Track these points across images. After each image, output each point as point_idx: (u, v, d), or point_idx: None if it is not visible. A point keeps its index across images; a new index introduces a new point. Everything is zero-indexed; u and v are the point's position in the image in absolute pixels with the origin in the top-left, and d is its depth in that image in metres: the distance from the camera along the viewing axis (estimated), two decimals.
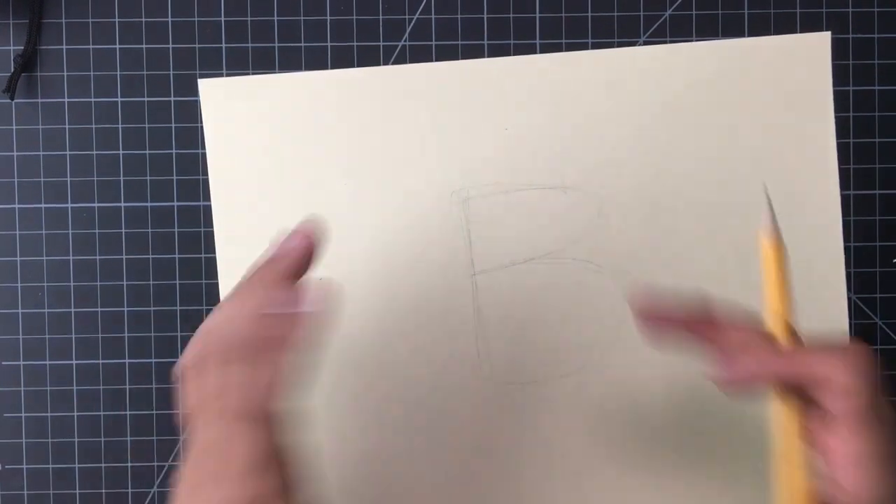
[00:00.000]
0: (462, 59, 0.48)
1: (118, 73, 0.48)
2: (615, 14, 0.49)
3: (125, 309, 0.48)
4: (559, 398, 0.48)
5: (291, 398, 0.36)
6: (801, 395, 0.34)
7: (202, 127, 0.48)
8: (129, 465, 0.48)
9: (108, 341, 0.48)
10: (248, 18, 0.48)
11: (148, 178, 0.48)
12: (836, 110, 0.48)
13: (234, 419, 0.35)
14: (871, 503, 0.32)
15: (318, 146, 0.48)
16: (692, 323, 0.36)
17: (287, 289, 0.37)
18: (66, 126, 0.48)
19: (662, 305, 0.36)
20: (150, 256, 0.48)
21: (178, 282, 0.48)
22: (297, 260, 0.38)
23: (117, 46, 0.48)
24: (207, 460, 0.36)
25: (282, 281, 0.37)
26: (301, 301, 0.36)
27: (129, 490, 0.48)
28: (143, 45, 0.48)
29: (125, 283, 0.48)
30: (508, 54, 0.49)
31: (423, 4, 0.49)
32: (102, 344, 0.48)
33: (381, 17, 0.49)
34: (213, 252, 0.48)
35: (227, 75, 0.48)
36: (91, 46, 0.48)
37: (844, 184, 0.49)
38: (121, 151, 0.48)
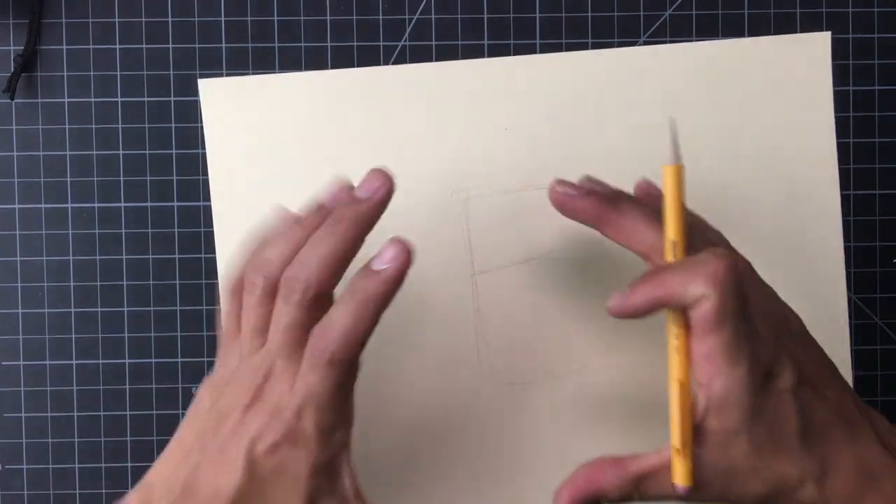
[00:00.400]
0: (462, 59, 0.48)
1: (118, 73, 0.48)
2: (615, 14, 0.49)
3: (125, 309, 0.48)
4: (559, 398, 0.48)
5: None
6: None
7: (202, 127, 0.48)
8: (129, 465, 0.48)
9: (108, 341, 0.48)
10: (248, 18, 0.48)
11: (148, 178, 0.48)
12: (836, 110, 0.48)
13: (314, 356, 0.37)
14: (720, 392, 0.36)
15: (318, 146, 0.48)
16: (597, 210, 0.40)
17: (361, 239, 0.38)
18: (66, 126, 0.48)
19: (578, 187, 0.40)
20: (150, 256, 0.48)
21: (178, 282, 0.48)
22: (379, 202, 0.39)
23: (117, 46, 0.48)
24: (268, 390, 0.37)
25: (400, 241, 0.38)
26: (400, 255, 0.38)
27: (129, 490, 0.48)
28: (143, 45, 0.48)
29: (125, 283, 0.48)
30: (508, 54, 0.49)
31: (423, 4, 0.49)
32: (102, 344, 0.48)
33: (381, 17, 0.49)
34: (213, 252, 0.48)
35: (227, 75, 0.48)
36: (91, 46, 0.48)
37: (844, 184, 0.49)
38: (121, 151, 0.48)
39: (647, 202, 0.41)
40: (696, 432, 0.37)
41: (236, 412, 0.37)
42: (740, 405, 0.36)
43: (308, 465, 0.37)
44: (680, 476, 0.37)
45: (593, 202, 0.40)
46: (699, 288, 0.35)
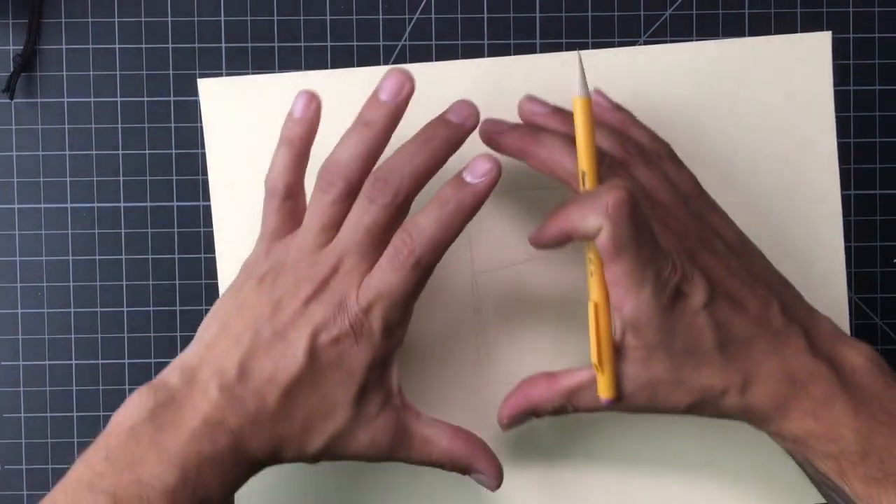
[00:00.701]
0: (462, 59, 0.48)
1: (118, 73, 0.48)
2: (615, 14, 0.49)
3: (125, 309, 0.48)
4: None
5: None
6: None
7: (202, 127, 0.48)
8: None
9: (107, 341, 0.48)
10: (248, 18, 0.48)
11: (148, 178, 0.48)
12: (837, 110, 0.48)
13: (401, 256, 0.39)
14: (631, 314, 0.38)
15: (318, 146, 0.48)
16: (518, 143, 0.42)
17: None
18: (66, 126, 0.48)
19: (503, 122, 0.43)
20: (150, 256, 0.48)
21: (177, 282, 0.48)
22: (469, 129, 0.41)
23: (117, 46, 0.48)
24: (335, 283, 0.39)
25: (489, 158, 0.40)
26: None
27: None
28: (143, 45, 0.48)
29: (125, 283, 0.48)
30: (508, 54, 0.49)
31: (423, 4, 0.49)
32: (102, 344, 0.48)
33: (381, 16, 0.49)
34: (213, 252, 0.48)
35: (227, 75, 0.48)
36: (91, 46, 0.48)
37: (844, 184, 0.49)
38: (120, 151, 0.48)
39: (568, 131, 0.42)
40: (616, 350, 0.39)
41: (296, 302, 0.39)
42: (651, 325, 0.38)
43: (367, 359, 0.39)
44: (603, 389, 0.40)
45: (514, 136, 0.42)
46: (595, 220, 0.37)
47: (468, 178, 0.39)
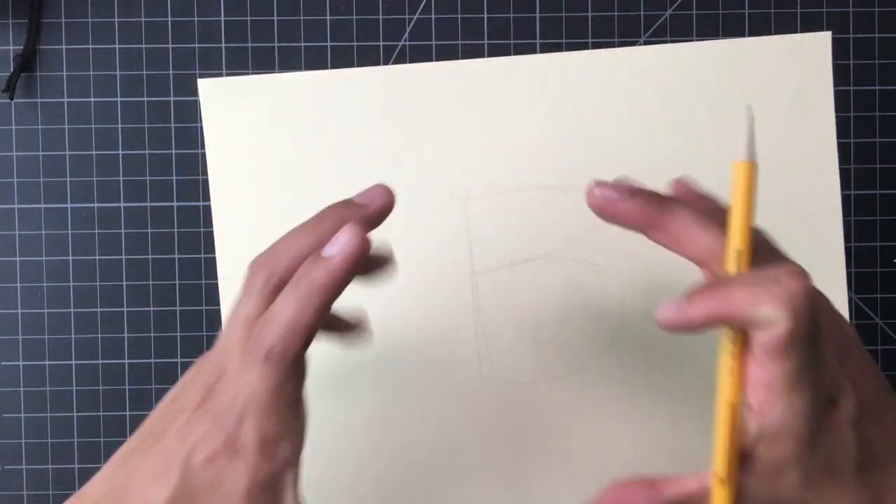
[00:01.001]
0: (462, 59, 0.48)
1: (118, 73, 0.48)
2: (615, 14, 0.49)
3: (125, 309, 0.48)
4: (559, 398, 0.48)
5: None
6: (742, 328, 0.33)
7: (202, 127, 0.48)
8: None
9: (107, 341, 0.48)
10: (248, 18, 0.48)
11: (147, 178, 0.48)
12: (837, 110, 0.48)
13: (250, 351, 0.33)
14: (777, 421, 0.32)
15: (318, 146, 0.48)
16: (644, 213, 0.35)
17: (357, 230, 0.34)
18: (66, 126, 0.48)
19: (619, 188, 0.36)
20: (150, 257, 0.48)
21: (177, 282, 0.48)
22: (376, 211, 0.36)
23: (117, 46, 0.48)
24: (218, 391, 0.33)
25: (357, 223, 0.35)
26: (358, 245, 0.34)
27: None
28: (143, 45, 0.48)
29: (125, 283, 0.48)
30: (508, 54, 0.49)
31: (423, 4, 0.49)
32: (102, 344, 0.48)
33: (381, 16, 0.49)
34: (213, 252, 0.48)
35: (227, 75, 0.48)
36: (91, 46, 0.48)
37: (844, 184, 0.49)
38: (120, 151, 0.48)
39: (696, 203, 0.37)
40: (742, 460, 0.33)
41: (185, 414, 0.34)
42: (797, 436, 0.33)
43: (245, 481, 0.33)
44: None
45: (639, 204, 0.36)
46: (772, 310, 0.31)
47: (325, 250, 0.34)
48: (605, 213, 0.36)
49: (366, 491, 0.48)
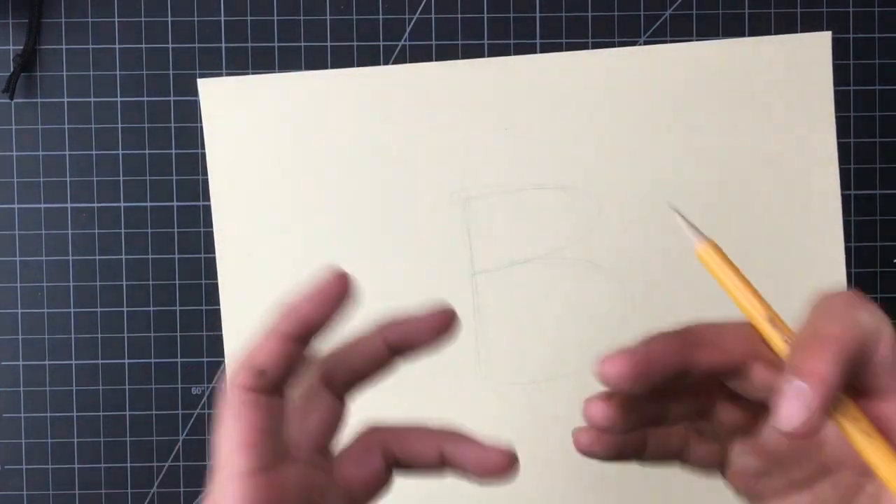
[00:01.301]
0: (462, 59, 0.48)
1: (118, 72, 0.48)
2: (615, 14, 0.49)
3: (125, 309, 0.48)
4: (559, 398, 0.48)
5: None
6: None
7: (202, 127, 0.48)
8: (129, 465, 0.48)
9: (107, 341, 0.48)
10: (248, 18, 0.48)
11: (147, 178, 0.48)
12: (837, 110, 0.48)
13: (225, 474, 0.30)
14: None
15: (318, 146, 0.48)
16: (675, 354, 0.30)
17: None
18: (66, 126, 0.48)
19: (631, 352, 0.30)
20: (150, 257, 0.48)
21: (177, 282, 0.48)
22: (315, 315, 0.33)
23: (117, 46, 0.48)
24: None
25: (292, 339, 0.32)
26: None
27: (129, 490, 0.48)
28: (143, 45, 0.48)
29: (125, 283, 0.48)
30: (508, 54, 0.49)
31: (423, 4, 0.49)
32: (102, 344, 0.48)
33: (381, 16, 0.49)
34: (213, 252, 0.48)
35: (227, 75, 0.48)
36: (91, 46, 0.48)
37: (844, 184, 0.49)
38: (120, 151, 0.48)
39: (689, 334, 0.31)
40: None
41: None
42: None
43: None
44: None
45: (661, 345, 0.30)
46: (867, 316, 0.28)
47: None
48: (639, 379, 0.30)
49: None
